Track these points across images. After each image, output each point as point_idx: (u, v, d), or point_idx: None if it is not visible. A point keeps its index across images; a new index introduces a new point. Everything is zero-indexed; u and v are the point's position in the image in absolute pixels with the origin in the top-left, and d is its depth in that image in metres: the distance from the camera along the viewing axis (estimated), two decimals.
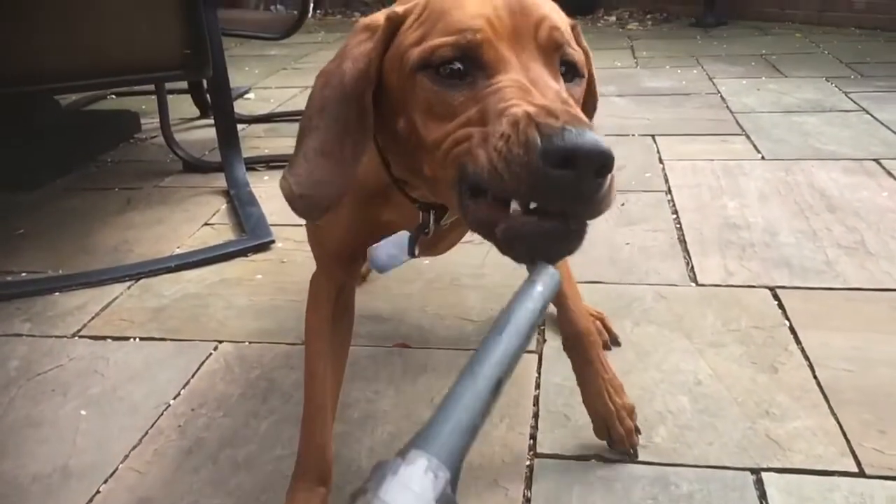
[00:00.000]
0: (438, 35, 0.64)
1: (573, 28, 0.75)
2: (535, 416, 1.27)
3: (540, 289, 0.55)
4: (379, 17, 0.72)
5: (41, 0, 1.71)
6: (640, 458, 1.16)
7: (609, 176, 0.56)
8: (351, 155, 0.70)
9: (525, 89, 0.59)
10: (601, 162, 0.54)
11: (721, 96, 3.24)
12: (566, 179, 0.53)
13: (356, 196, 0.82)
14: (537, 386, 1.35)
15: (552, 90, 0.60)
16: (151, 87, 3.06)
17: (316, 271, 1.04)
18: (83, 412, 1.35)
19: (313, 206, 0.72)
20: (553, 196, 0.55)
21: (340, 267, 0.99)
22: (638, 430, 1.18)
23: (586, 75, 0.72)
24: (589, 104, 0.79)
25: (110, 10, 1.76)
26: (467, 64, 0.63)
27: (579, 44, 0.74)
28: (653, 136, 2.71)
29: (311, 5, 2.49)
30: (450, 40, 0.63)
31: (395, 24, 0.69)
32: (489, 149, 0.57)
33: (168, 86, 2.82)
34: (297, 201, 0.72)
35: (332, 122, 0.70)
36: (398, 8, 0.71)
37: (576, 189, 0.54)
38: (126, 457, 1.23)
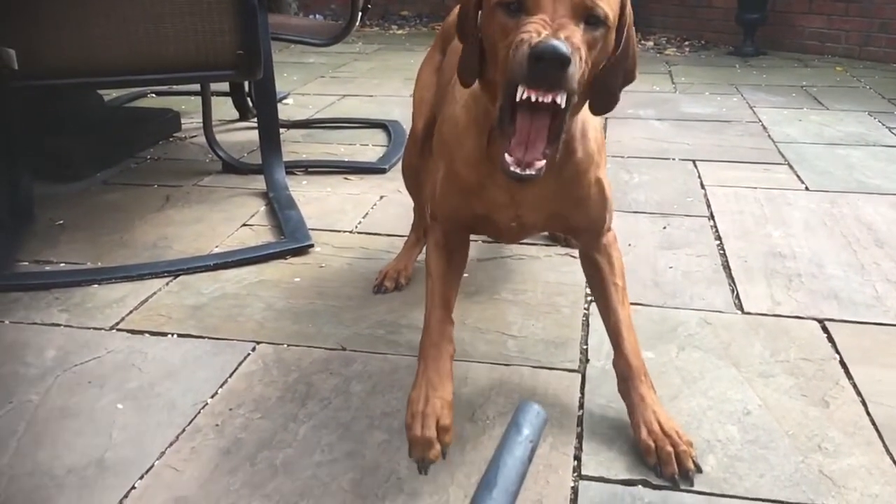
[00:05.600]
0: None
1: None
2: (579, 437, 1.24)
3: (527, 432, 0.66)
4: None
5: None
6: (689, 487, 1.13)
7: (567, 69, 0.92)
8: (471, 45, 1.09)
9: (541, 26, 0.94)
10: (556, 58, 0.91)
11: (762, 125, 3.20)
12: (541, 68, 0.92)
13: (461, 169, 1.19)
14: (581, 406, 1.32)
15: (562, 27, 0.94)
16: (191, 87, 3.10)
17: (432, 222, 1.34)
18: (120, 406, 1.34)
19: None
20: (536, 78, 0.94)
21: (451, 229, 1.30)
22: (698, 468, 1.15)
23: (610, 24, 1.00)
24: (624, 55, 1.06)
25: (166, 9, 1.77)
26: (520, 5, 0.98)
27: (624, 5, 1.03)
28: (694, 162, 2.68)
29: (360, 15, 2.49)
30: None
31: None
32: (510, 56, 0.96)
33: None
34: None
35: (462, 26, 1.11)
36: None
37: (546, 74, 0.93)
38: (163, 453, 1.21)
